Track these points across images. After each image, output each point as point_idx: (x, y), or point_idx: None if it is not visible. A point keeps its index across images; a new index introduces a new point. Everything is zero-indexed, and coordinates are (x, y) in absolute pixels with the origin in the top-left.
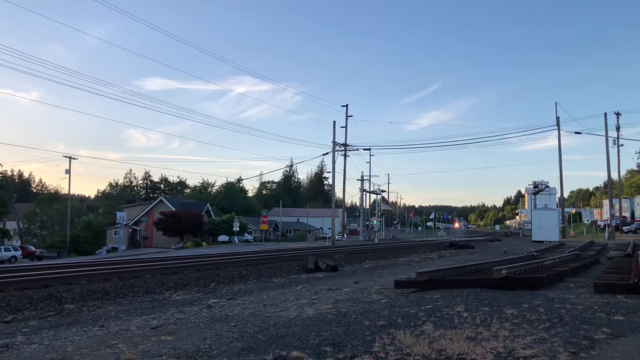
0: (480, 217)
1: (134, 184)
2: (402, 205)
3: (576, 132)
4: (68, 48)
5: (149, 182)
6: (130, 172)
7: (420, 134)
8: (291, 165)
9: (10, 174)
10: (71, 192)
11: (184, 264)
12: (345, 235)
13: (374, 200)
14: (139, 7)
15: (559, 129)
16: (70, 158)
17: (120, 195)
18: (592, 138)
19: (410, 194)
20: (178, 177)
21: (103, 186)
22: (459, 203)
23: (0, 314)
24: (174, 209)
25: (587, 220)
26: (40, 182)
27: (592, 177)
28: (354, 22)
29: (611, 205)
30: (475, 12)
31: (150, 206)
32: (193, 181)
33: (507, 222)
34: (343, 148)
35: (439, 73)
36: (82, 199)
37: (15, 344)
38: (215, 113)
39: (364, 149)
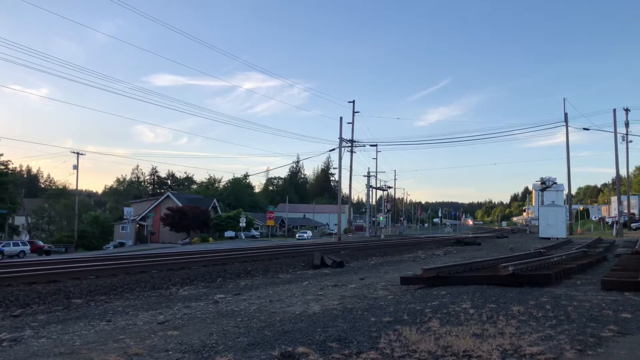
0: (487, 213)
1: (141, 179)
2: (408, 201)
3: (584, 129)
4: (77, 44)
5: (156, 178)
6: (137, 168)
7: (428, 130)
8: (298, 161)
9: (19, 169)
10: (79, 188)
11: (190, 260)
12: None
13: (380, 197)
14: (148, 3)
15: (567, 125)
16: (78, 154)
17: (128, 191)
18: (601, 134)
19: (417, 190)
20: (185, 173)
21: (110, 182)
22: (465, 199)
23: (9, 308)
24: (180, 205)
25: (595, 217)
26: (49, 177)
27: (600, 173)
28: (362, 19)
29: (619, 202)
30: (484, 9)
31: (157, 202)
32: (200, 177)
33: (514, 219)
34: (350, 144)
35: (448, 69)
36: (90, 195)
37: (24, 338)
38: (223, 109)
39: (371, 145)
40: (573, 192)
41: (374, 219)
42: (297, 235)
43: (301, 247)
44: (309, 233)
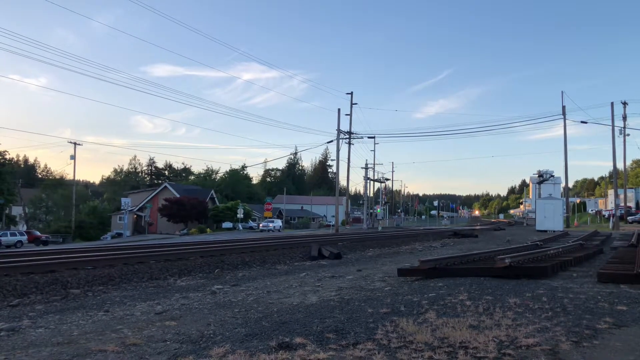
0: (484, 206)
1: (139, 170)
2: (406, 193)
3: (582, 122)
4: (76, 34)
5: (154, 169)
6: (134, 159)
7: (427, 122)
8: (296, 153)
9: (15, 159)
10: (76, 178)
11: (188, 251)
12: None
13: (378, 189)
14: None
15: (564, 118)
16: (75, 144)
17: (125, 182)
18: (598, 128)
19: (415, 182)
20: (183, 164)
21: (108, 172)
22: (463, 192)
23: (6, 298)
24: (178, 196)
25: (592, 210)
26: (46, 167)
27: (597, 166)
28: (362, 11)
29: (616, 195)
30: (485, 0)
31: (155, 192)
32: (198, 168)
33: (511, 211)
34: (347, 136)
35: (448, 62)
36: (87, 185)
37: (22, 328)
38: (222, 100)
39: (369, 137)
40: (570, 185)
41: (371, 210)
42: (261, 225)
43: (298, 239)
44: (278, 222)
